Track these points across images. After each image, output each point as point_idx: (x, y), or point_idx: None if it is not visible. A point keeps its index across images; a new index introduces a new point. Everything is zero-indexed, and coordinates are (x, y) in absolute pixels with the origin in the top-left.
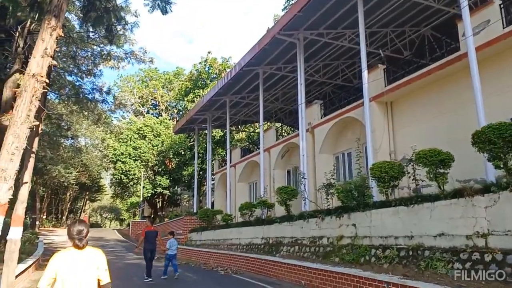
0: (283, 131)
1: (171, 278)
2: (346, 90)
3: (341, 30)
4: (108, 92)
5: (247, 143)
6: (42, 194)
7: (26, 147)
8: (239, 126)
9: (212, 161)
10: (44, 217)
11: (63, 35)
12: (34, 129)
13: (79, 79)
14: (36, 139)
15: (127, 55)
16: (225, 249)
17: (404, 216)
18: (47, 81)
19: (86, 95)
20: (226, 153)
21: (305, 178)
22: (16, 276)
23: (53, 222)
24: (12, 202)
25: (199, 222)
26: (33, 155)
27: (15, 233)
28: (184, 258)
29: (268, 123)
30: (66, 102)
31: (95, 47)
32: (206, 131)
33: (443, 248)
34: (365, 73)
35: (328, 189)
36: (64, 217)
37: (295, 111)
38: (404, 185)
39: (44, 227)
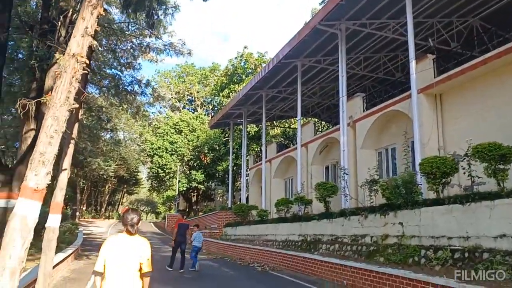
0: (321, 126)
1: (206, 273)
2: (387, 84)
3: (385, 20)
4: (147, 84)
5: (282, 138)
6: (82, 186)
7: (65, 131)
8: (274, 122)
9: (246, 156)
10: (84, 208)
11: (104, 14)
12: (74, 113)
13: (119, 72)
14: (76, 125)
15: (166, 47)
16: (260, 244)
17: (459, 215)
18: (87, 61)
19: (125, 87)
20: (261, 148)
21: (346, 174)
22: (55, 266)
23: (93, 214)
24: (51, 190)
25: (234, 217)
26: (72, 141)
27: (54, 221)
28: (220, 252)
29: (304, 119)
30: (106, 95)
31: (134, 40)
32: (241, 126)
33: (505, 251)
34: (413, 63)
35: (371, 186)
36: (102, 209)
37: (332, 106)
38: (454, 183)
39: (84, 218)
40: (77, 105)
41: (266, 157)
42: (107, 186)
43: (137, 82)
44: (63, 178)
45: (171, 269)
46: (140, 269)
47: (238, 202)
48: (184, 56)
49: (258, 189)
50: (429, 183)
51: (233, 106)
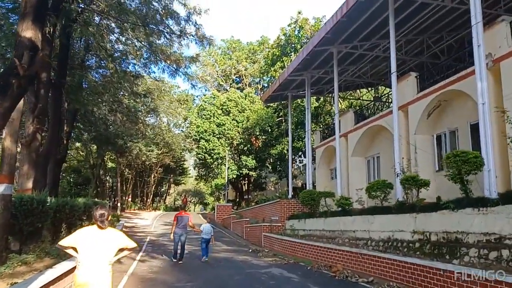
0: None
1: None
2: None
3: None
4: (187, 19)
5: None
6: (127, 176)
7: None
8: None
9: (311, 133)
10: (130, 199)
11: None
12: None
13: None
14: None
15: None
16: (346, 244)
17: None
18: None
19: (156, 25)
20: (325, 125)
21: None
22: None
23: (139, 205)
24: None
25: (300, 207)
26: None
27: None
28: (287, 253)
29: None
30: (127, 40)
31: None
32: (298, 101)
33: None
34: None
35: None
36: (149, 200)
37: (419, 65)
38: None
39: (130, 209)
40: None
41: (339, 131)
42: (152, 176)
43: (173, 16)
44: None
45: (175, 260)
46: (123, 249)
47: (294, 191)
48: None
49: (327, 172)
50: None
51: (293, 71)
